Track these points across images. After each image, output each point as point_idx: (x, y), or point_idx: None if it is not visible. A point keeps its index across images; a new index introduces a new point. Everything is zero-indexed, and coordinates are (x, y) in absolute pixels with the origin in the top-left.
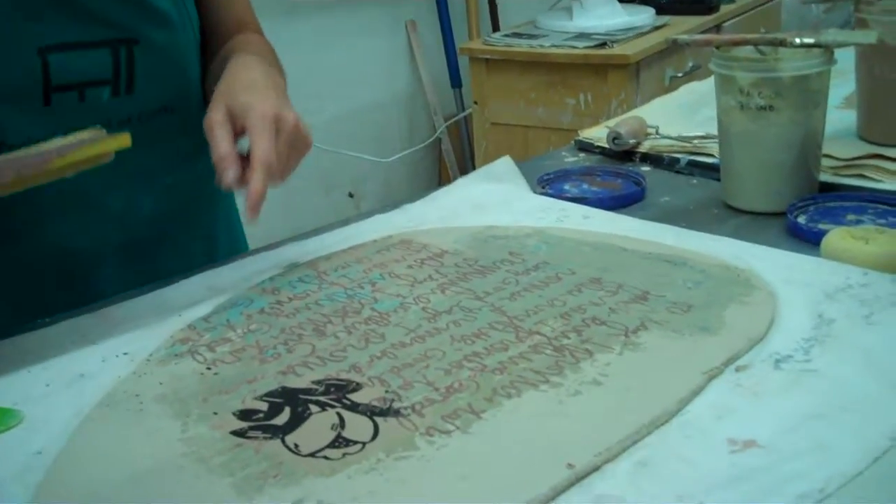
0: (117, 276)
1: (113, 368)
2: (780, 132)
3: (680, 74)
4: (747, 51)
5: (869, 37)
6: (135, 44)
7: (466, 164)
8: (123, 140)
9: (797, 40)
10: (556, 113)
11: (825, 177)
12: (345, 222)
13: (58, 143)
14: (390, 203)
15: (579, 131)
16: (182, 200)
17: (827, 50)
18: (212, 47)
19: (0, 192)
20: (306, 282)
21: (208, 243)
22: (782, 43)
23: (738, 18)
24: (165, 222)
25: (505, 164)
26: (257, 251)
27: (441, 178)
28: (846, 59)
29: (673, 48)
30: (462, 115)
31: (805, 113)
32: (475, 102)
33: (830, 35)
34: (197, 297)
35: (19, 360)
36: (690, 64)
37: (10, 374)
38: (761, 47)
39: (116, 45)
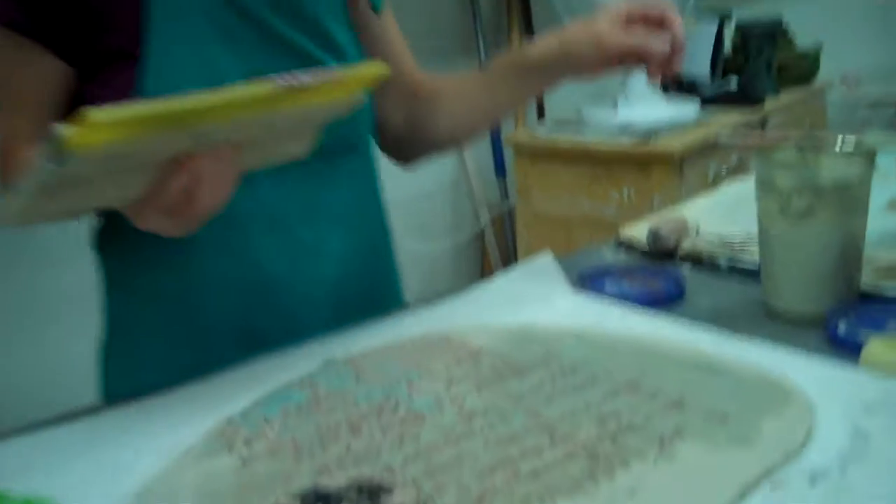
0: (311, 310)
1: (150, 461)
2: (821, 236)
3: (724, 170)
4: (788, 153)
5: None
6: None
7: (510, 255)
8: (382, 68)
9: (838, 144)
10: (599, 206)
11: (868, 282)
12: (383, 314)
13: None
14: (433, 293)
15: (620, 228)
16: (367, 242)
17: (868, 154)
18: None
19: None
20: (344, 378)
21: (387, 289)
22: (823, 146)
23: (783, 114)
24: (352, 261)
25: (545, 260)
26: (297, 344)
27: (484, 268)
28: (890, 162)
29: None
30: (506, 204)
31: (846, 218)
32: (519, 192)
33: (872, 139)
34: (237, 390)
35: (56, 449)
36: (735, 160)
37: (46, 464)
38: (802, 150)
39: None
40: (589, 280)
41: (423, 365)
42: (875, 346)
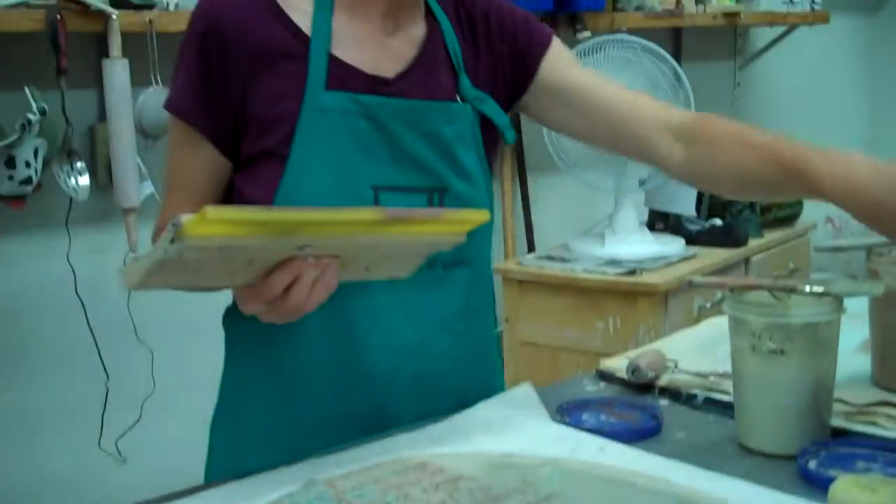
0: (407, 404)
1: None
2: (791, 377)
3: (708, 305)
4: (761, 295)
5: (876, 288)
6: (445, 192)
7: None
8: (483, 214)
9: (807, 288)
10: (585, 335)
11: (838, 421)
12: (369, 438)
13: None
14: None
15: (601, 360)
16: (470, 348)
17: (836, 299)
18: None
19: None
20: (323, 500)
21: (485, 390)
22: (793, 290)
23: (766, 253)
24: (453, 363)
25: (525, 390)
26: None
27: None
28: (864, 304)
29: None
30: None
31: (815, 359)
32: (506, 320)
33: (840, 285)
34: None
35: None
36: (719, 295)
37: None
38: (775, 292)
39: (431, 192)
40: (568, 412)
41: (402, 489)
42: (842, 485)
